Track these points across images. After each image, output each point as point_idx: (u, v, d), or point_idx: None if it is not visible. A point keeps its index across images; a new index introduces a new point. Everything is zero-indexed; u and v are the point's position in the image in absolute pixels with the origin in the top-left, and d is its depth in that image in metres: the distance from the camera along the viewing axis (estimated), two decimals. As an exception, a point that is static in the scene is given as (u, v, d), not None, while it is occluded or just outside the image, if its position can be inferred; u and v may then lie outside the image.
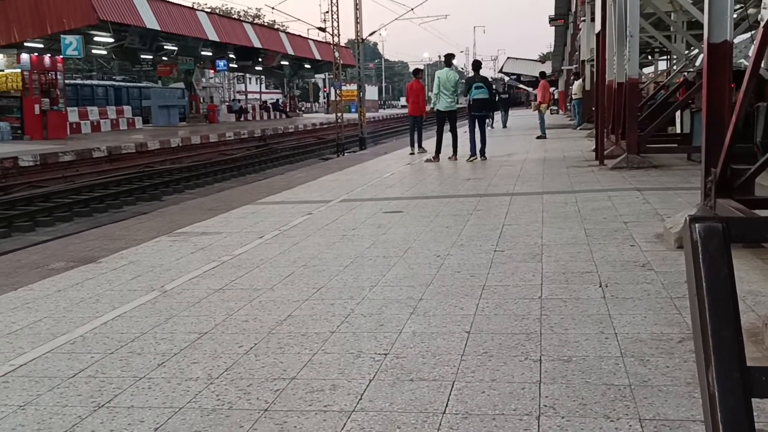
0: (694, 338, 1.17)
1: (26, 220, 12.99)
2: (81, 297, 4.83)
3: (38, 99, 24.86)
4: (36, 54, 25.80)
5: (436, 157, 14.16)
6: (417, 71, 17.37)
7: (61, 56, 26.02)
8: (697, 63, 17.48)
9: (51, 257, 6.39)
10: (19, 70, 24.55)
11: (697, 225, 1.17)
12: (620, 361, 3.21)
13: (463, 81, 15.50)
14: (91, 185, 17.03)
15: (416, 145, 16.39)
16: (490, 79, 16.88)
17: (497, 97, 24.48)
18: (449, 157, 14.17)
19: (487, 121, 14.32)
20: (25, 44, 26.05)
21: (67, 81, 30.18)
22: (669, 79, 19.71)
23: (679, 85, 15.29)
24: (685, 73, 17.80)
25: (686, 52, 19.25)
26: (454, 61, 15.67)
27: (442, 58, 15.74)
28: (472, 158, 13.88)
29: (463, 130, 14.96)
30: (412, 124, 16.51)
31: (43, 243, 8.34)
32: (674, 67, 21.00)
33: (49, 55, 26.21)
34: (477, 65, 15.18)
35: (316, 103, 78.19)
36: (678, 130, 14.20)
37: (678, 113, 13.55)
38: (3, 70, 25.00)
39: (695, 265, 1.14)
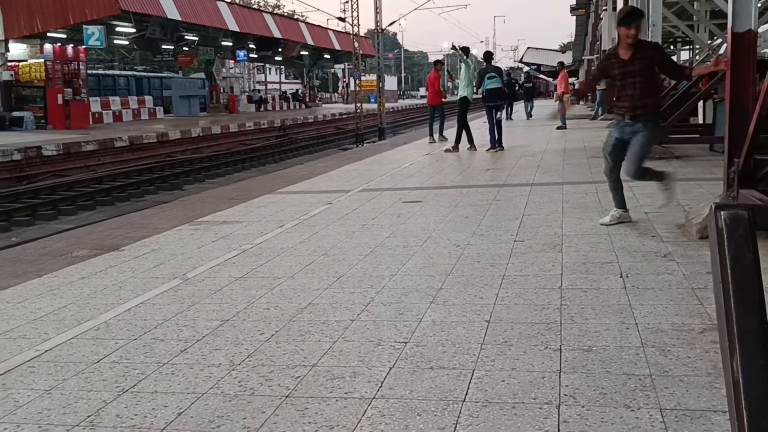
0: (718, 325, 1.17)
1: (49, 209, 13.14)
2: (104, 284, 4.89)
3: (61, 89, 25.07)
4: (59, 44, 26.02)
5: (456, 147, 14.16)
6: (437, 62, 17.46)
7: (84, 46, 26.21)
8: (721, 52, 17.27)
9: (74, 245, 6.46)
10: (42, 61, 24.77)
11: (722, 212, 1.16)
12: (641, 351, 3.20)
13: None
14: (113, 174, 17.18)
15: (436, 134, 16.58)
16: (503, 69, 17.00)
17: (518, 87, 24.35)
18: (468, 148, 14.15)
19: (499, 113, 14.36)
20: (48, 35, 26.26)
21: (89, 71, 30.40)
22: (692, 69, 19.48)
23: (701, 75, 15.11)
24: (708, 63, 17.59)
25: (709, 41, 19.03)
26: (474, 51, 15.78)
27: (456, 50, 15.74)
28: (491, 149, 13.86)
29: (482, 121, 14.97)
30: (431, 112, 16.74)
31: (66, 231, 8.44)
32: (697, 57, 20.77)
33: (71, 45, 26.42)
34: (488, 56, 15.20)
35: (336, 93, 78.13)
36: (700, 121, 14.06)
37: (700, 103, 13.41)
38: (26, 60, 25.24)
39: (720, 253, 1.14)
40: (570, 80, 25.35)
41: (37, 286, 4.93)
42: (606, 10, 23.80)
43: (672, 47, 29.46)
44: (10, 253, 6.50)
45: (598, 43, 30.52)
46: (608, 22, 22.91)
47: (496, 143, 13.97)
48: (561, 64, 23.97)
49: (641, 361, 3.10)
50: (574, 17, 46.91)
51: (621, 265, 4.73)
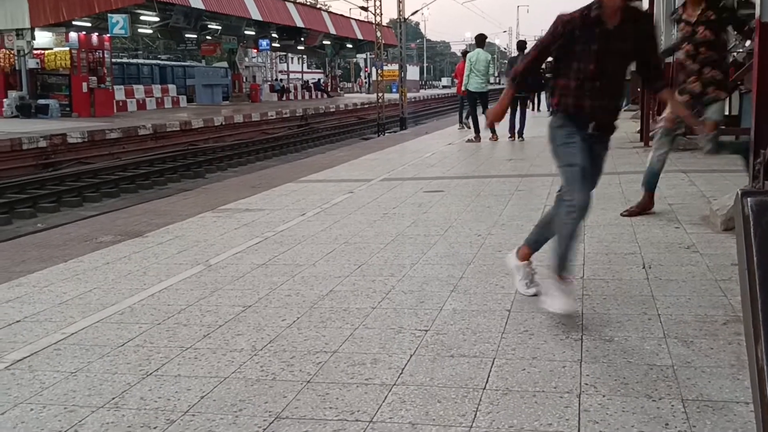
0: (743, 312, 1.17)
1: (75, 196, 13.31)
2: (129, 269, 4.95)
3: (86, 77, 25.28)
4: (84, 33, 26.21)
5: (477, 138, 14.12)
6: (465, 53, 17.55)
7: (108, 35, 26.39)
8: (747, 43, 17.00)
9: (99, 231, 6.54)
10: (67, 49, 24.98)
11: (749, 199, 1.16)
12: (663, 342, 3.19)
13: (506, 61, 15.57)
14: (137, 162, 17.34)
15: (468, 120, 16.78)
16: None
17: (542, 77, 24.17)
18: (489, 138, 14.10)
19: (528, 103, 14.34)
20: (74, 23, 26.44)
21: (113, 60, 30.61)
22: (718, 59, 19.20)
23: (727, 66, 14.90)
24: (735, 54, 17.33)
25: (736, 32, 18.73)
26: (497, 41, 15.78)
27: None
28: (510, 137, 13.85)
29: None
30: (460, 101, 17.16)
31: (91, 217, 8.54)
32: (724, 48, 20.44)
33: (96, 33, 26.59)
34: (521, 45, 15.13)
35: (355, 83, 77.88)
36: (726, 112, 13.88)
37: (727, 94, 13.23)
38: (52, 49, 25.47)
39: (746, 239, 1.14)
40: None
41: (63, 271, 5.00)
42: None
43: (698, 37, 28.97)
44: (37, 238, 6.60)
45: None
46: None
47: (518, 134, 13.92)
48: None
49: (663, 351, 3.08)
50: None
51: (644, 256, 4.70)
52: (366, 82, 69.19)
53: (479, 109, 14.29)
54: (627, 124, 16.83)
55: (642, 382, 2.78)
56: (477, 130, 14.19)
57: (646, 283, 4.11)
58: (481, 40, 14.89)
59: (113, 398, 2.86)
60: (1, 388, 3.01)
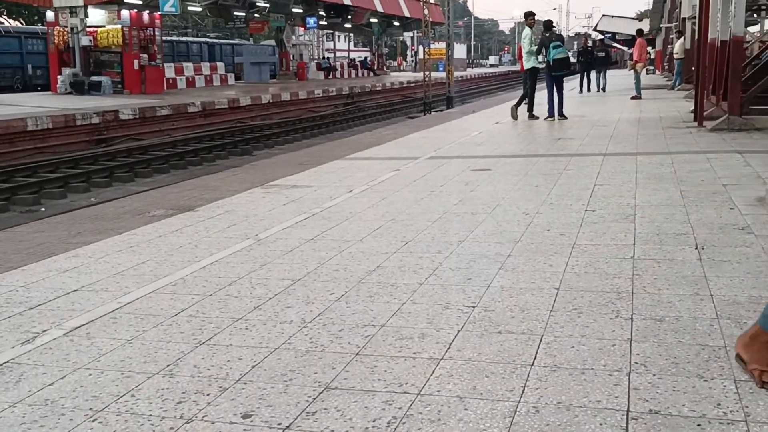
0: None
1: (126, 171, 13.58)
2: (180, 243, 5.05)
3: (137, 54, 25.65)
4: (135, 10, 26.56)
5: (532, 116, 14.12)
6: None
7: (159, 13, 26.70)
8: None
9: (151, 205, 6.68)
10: (119, 27, 25.34)
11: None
12: (715, 323, 3.14)
13: (539, 38, 15.33)
14: (186, 139, 17.59)
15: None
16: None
17: (593, 56, 23.71)
18: (545, 118, 13.96)
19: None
20: (125, 1, 26.83)
21: (164, 37, 30.97)
22: (777, 37, 18.63)
23: None
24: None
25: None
26: (546, 19, 15.58)
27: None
28: (549, 118, 13.73)
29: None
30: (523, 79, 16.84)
31: (142, 192, 8.71)
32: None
33: (147, 11, 26.93)
34: (549, 25, 14.96)
35: (404, 62, 77.38)
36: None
37: (786, 73, 12.83)
38: (104, 26, 25.87)
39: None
40: (647, 49, 24.47)
41: (118, 243, 5.12)
42: (687, -25, 22.84)
43: (755, 15, 28.11)
44: (92, 212, 6.76)
45: (678, 10, 29.41)
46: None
47: (558, 113, 13.80)
48: (639, 32, 23.11)
49: (716, 332, 3.04)
50: (653, -16, 45.22)
51: (696, 237, 4.62)
52: (413, 61, 68.69)
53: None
54: (681, 104, 16.46)
55: (693, 362, 2.75)
56: (529, 108, 14.20)
57: (698, 263, 4.05)
58: (525, 18, 14.79)
59: (168, 365, 2.94)
60: (60, 354, 3.11)
